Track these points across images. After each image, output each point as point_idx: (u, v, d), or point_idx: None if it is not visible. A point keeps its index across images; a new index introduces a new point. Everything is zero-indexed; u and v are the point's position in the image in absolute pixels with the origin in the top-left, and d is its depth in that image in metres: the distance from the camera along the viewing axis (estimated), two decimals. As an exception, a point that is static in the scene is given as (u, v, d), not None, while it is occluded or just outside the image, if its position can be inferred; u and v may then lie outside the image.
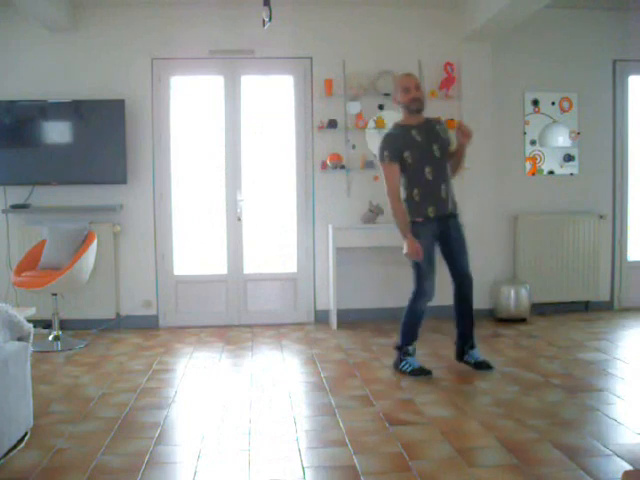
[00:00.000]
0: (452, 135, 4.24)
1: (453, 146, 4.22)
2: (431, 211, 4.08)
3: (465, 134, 4.04)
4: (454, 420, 3.38)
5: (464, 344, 4.28)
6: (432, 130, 4.15)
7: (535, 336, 5.26)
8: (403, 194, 4.15)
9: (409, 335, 4.23)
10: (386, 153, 4.08)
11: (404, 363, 4.21)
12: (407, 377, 4.14)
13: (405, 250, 4.09)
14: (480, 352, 4.32)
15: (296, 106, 5.89)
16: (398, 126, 4.20)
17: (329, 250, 5.75)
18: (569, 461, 2.80)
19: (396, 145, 4.07)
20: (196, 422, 3.42)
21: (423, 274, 4.14)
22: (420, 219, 4.08)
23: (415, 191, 4.08)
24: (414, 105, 4.09)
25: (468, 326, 4.28)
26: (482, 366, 4.23)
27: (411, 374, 4.15)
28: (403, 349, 4.24)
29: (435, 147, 4.09)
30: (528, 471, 2.72)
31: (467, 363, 4.28)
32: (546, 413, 3.43)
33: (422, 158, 4.05)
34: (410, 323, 4.24)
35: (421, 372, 4.15)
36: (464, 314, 4.28)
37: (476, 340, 4.32)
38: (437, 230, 4.13)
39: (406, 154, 4.05)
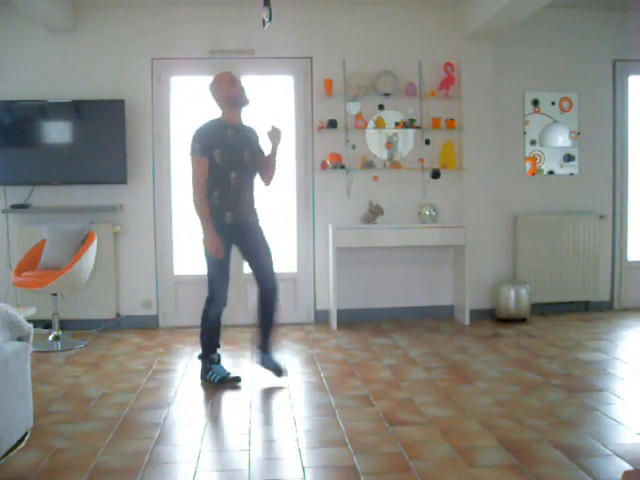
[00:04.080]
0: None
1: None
2: (228, 216, 3.96)
3: (275, 134, 4.05)
4: (454, 420, 3.38)
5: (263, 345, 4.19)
6: (247, 135, 4.08)
7: (535, 336, 5.26)
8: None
9: (209, 344, 4.12)
10: (197, 146, 3.91)
11: (211, 373, 4.07)
12: (220, 386, 4.02)
13: (205, 246, 3.96)
14: (276, 360, 4.19)
15: (296, 106, 5.89)
16: (216, 120, 4.06)
17: (329, 250, 5.75)
18: (569, 461, 2.80)
19: (209, 140, 3.92)
20: (196, 422, 3.42)
21: (215, 280, 4.02)
22: (215, 223, 3.93)
23: (216, 193, 3.95)
24: (239, 98, 4.02)
25: (265, 325, 4.17)
26: (276, 372, 4.11)
27: (219, 383, 4.02)
28: (208, 358, 4.11)
29: (246, 153, 4.00)
30: (528, 471, 2.72)
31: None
32: (546, 413, 3.44)
33: (231, 161, 3.93)
34: (208, 331, 4.13)
35: (229, 380, 4.04)
36: (263, 313, 4.15)
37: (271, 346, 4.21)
38: (234, 235, 4.01)
39: (216, 152, 3.90)
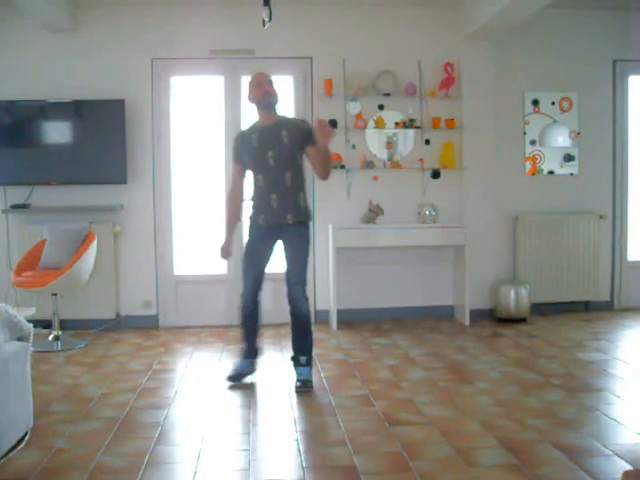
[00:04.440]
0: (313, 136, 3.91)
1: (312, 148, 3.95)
2: (262, 219, 4.02)
3: (324, 133, 3.72)
4: (454, 420, 3.38)
5: (293, 356, 4.09)
6: (275, 134, 3.95)
7: (535, 336, 5.26)
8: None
9: (242, 335, 4.18)
10: (232, 153, 4.17)
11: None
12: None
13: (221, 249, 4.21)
14: (309, 372, 4.03)
15: (296, 106, 5.89)
16: (251, 125, 4.13)
17: (329, 250, 5.75)
18: (569, 461, 2.80)
19: (238, 148, 4.08)
20: (196, 422, 3.42)
21: (244, 272, 4.11)
22: (253, 224, 4.08)
23: (253, 196, 4.10)
24: (267, 99, 3.96)
25: (296, 338, 4.08)
26: (303, 385, 3.94)
27: (228, 376, 4.12)
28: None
29: (270, 154, 3.92)
30: (528, 471, 2.72)
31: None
32: (546, 413, 3.43)
33: (256, 165, 4.00)
34: (241, 324, 4.19)
35: (235, 378, 4.09)
36: (294, 326, 4.07)
37: (312, 361, 4.09)
38: (273, 236, 4.03)
39: (245, 158, 4.06)
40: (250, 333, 4.16)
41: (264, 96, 3.97)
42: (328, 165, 3.95)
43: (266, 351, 4.96)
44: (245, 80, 5.84)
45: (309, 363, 4.01)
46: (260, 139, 3.97)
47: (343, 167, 5.78)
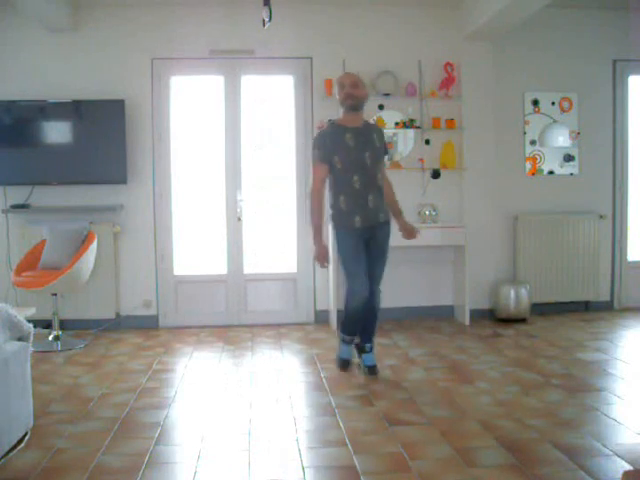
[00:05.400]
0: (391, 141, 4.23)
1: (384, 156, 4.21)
2: (357, 221, 3.98)
3: (410, 235, 4.27)
4: (454, 420, 3.38)
5: (360, 345, 4.30)
6: (368, 136, 4.02)
7: (535, 336, 5.26)
8: (330, 200, 4.09)
9: (347, 327, 4.22)
10: (316, 152, 3.99)
11: (338, 350, 4.34)
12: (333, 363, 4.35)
13: (314, 254, 4.09)
14: (374, 358, 4.27)
15: (296, 106, 5.89)
16: (334, 125, 4.09)
17: (329, 250, 5.73)
18: (569, 461, 2.80)
19: (327, 147, 3.96)
20: (196, 422, 3.42)
21: (353, 273, 4.02)
22: (346, 229, 4.01)
23: (342, 198, 3.99)
24: (348, 102, 3.96)
25: (368, 329, 4.24)
26: (372, 371, 4.19)
27: (337, 362, 4.33)
28: (341, 337, 4.29)
29: (367, 155, 3.96)
30: (528, 471, 2.72)
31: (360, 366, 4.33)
32: (546, 413, 3.43)
33: (351, 166, 3.94)
34: (347, 318, 4.17)
35: (343, 365, 4.28)
36: (368, 319, 4.19)
37: (374, 347, 4.32)
38: (363, 236, 4.03)
39: (336, 159, 3.94)
40: (360, 325, 4.19)
41: (346, 99, 3.97)
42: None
43: (266, 351, 4.97)
44: (245, 80, 5.88)
45: (372, 350, 4.27)
46: (356, 139, 3.97)
47: (343, 167, 5.78)
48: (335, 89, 4.10)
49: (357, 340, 4.30)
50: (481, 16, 5.39)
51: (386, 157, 4.31)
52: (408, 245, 5.71)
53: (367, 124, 4.12)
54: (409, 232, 4.27)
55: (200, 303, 5.92)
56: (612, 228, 6.26)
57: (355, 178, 3.94)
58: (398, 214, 4.26)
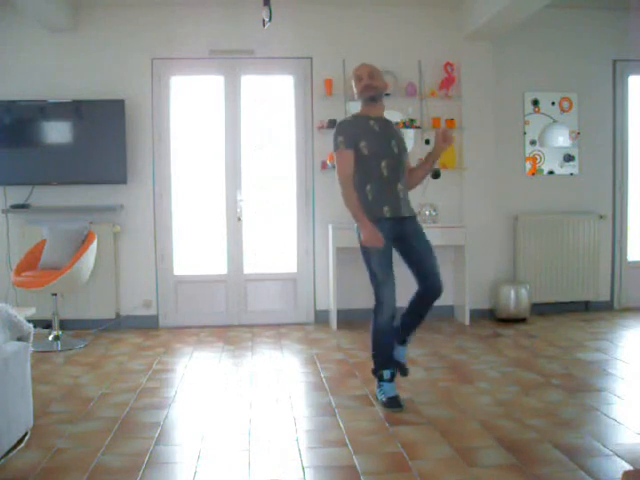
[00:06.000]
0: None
1: (408, 151, 3.90)
2: (387, 210, 3.61)
3: (447, 138, 3.67)
4: (454, 420, 3.38)
5: (401, 336, 3.81)
6: (391, 126, 3.81)
7: (535, 336, 5.26)
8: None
9: (380, 357, 3.69)
10: (340, 139, 3.65)
11: (379, 391, 3.68)
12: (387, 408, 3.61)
13: (362, 238, 3.58)
14: (406, 355, 3.87)
15: (296, 106, 5.89)
16: (356, 116, 3.84)
17: (329, 250, 5.75)
18: (569, 461, 2.80)
19: (352, 132, 3.67)
20: (196, 422, 3.42)
21: (379, 283, 3.64)
22: (374, 219, 3.60)
23: (368, 187, 3.65)
24: (367, 93, 3.73)
25: (414, 323, 3.81)
26: (402, 370, 3.81)
27: (386, 404, 3.58)
28: (378, 374, 3.69)
29: (393, 142, 3.71)
30: (528, 471, 2.72)
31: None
32: (546, 413, 3.43)
33: (379, 150, 3.66)
34: (379, 343, 3.67)
35: (395, 404, 3.57)
36: (417, 313, 3.79)
37: (411, 341, 3.91)
38: (394, 232, 3.64)
39: (362, 144, 3.63)
40: (390, 349, 3.73)
41: (365, 90, 3.75)
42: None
43: (266, 351, 4.97)
44: (245, 80, 5.88)
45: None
46: (381, 126, 3.72)
47: (343, 167, 5.77)
48: (352, 82, 3.86)
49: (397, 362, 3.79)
50: (481, 16, 5.39)
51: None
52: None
53: (385, 118, 3.84)
54: (443, 136, 3.71)
55: (200, 303, 5.92)
56: (612, 228, 6.26)
57: (383, 164, 3.64)
58: (426, 162, 3.86)
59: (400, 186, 3.71)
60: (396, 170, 3.70)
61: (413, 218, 3.75)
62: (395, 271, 3.74)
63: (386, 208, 3.63)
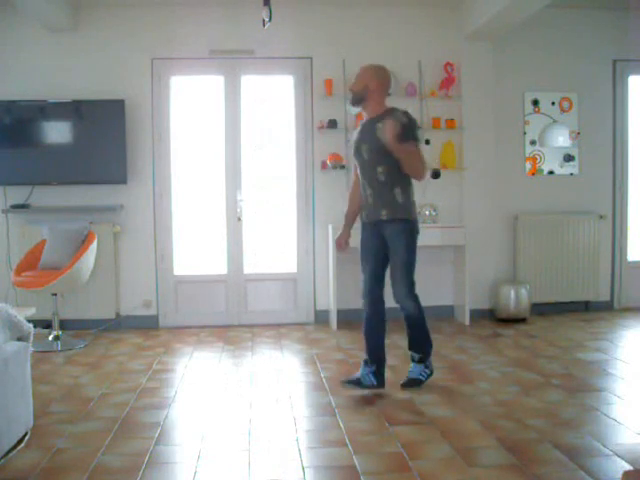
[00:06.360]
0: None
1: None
2: (364, 215, 3.92)
3: (386, 130, 3.56)
4: (454, 420, 3.38)
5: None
6: (371, 128, 3.76)
7: (535, 336, 5.26)
8: None
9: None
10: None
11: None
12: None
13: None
14: (413, 370, 3.96)
15: (296, 106, 5.89)
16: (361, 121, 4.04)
17: (329, 250, 5.75)
18: (569, 461, 2.80)
19: (352, 142, 3.99)
20: (196, 422, 3.42)
21: (362, 271, 3.93)
22: (360, 219, 3.97)
23: (362, 191, 3.95)
24: (351, 97, 3.87)
25: (408, 338, 3.98)
26: (406, 384, 3.93)
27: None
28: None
29: (364, 148, 3.79)
30: (528, 471, 2.72)
31: None
32: (546, 413, 3.43)
33: (356, 158, 3.89)
34: (363, 326, 3.95)
35: (350, 382, 3.85)
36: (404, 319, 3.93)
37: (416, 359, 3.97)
38: (378, 233, 3.84)
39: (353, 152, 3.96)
40: (370, 338, 3.91)
41: (353, 92, 3.85)
42: (411, 165, 3.67)
43: (266, 351, 4.97)
44: (245, 80, 5.89)
45: (421, 360, 3.93)
46: (360, 133, 3.87)
47: (343, 167, 5.78)
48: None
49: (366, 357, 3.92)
50: (481, 16, 5.39)
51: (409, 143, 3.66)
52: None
53: (383, 114, 3.73)
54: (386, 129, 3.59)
55: (200, 303, 5.92)
56: (612, 228, 6.26)
57: (359, 170, 3.90)
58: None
59: (369, 191, 3.84)
60: (366, 176, 3.85)
61: (388, 222, 3.77)
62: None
63: (363, 213, 3.93)
